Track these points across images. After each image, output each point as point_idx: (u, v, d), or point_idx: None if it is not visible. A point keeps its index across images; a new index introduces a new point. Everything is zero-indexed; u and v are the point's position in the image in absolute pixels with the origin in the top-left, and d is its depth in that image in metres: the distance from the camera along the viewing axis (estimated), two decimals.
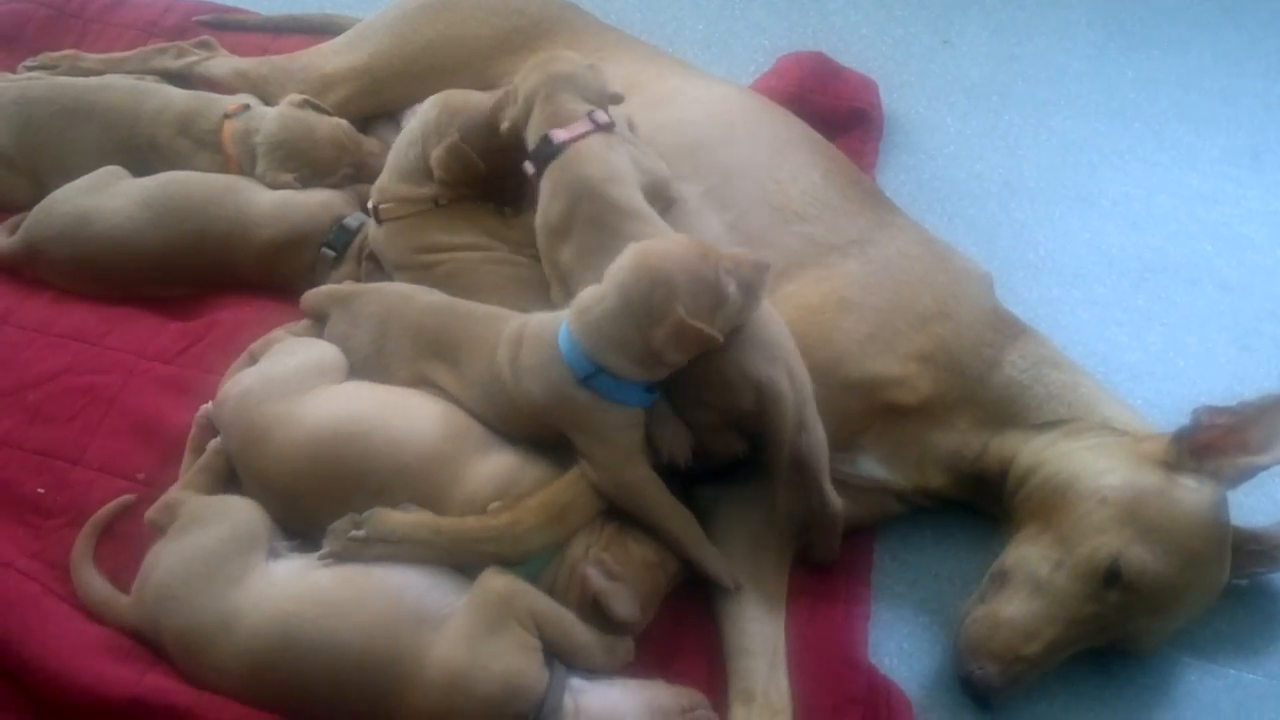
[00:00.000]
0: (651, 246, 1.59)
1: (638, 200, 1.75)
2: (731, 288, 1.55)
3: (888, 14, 2.99)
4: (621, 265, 1.57)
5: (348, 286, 1.92)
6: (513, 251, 1.92)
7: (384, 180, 2.00)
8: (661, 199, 1.86)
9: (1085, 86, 2.80)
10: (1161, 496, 1.60)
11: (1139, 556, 1.56)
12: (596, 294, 1.59)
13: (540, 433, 1.67)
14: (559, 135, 1.78)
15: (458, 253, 1.91)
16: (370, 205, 1.99)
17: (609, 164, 1.77)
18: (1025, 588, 1.60)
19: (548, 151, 1.78)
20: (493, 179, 1.94)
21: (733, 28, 2.92)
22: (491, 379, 1.67)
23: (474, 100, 1.96)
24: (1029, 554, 1.63)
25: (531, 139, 1.82)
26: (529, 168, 1.82)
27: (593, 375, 1.57)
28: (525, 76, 1.87)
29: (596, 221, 1.72)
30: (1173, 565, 1.57)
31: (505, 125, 1.88)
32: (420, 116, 1.98)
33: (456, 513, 1.57)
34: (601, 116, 1.83)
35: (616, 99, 1.90)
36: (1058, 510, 1.64)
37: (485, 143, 1.92)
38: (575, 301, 1.61)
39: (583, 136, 1.78)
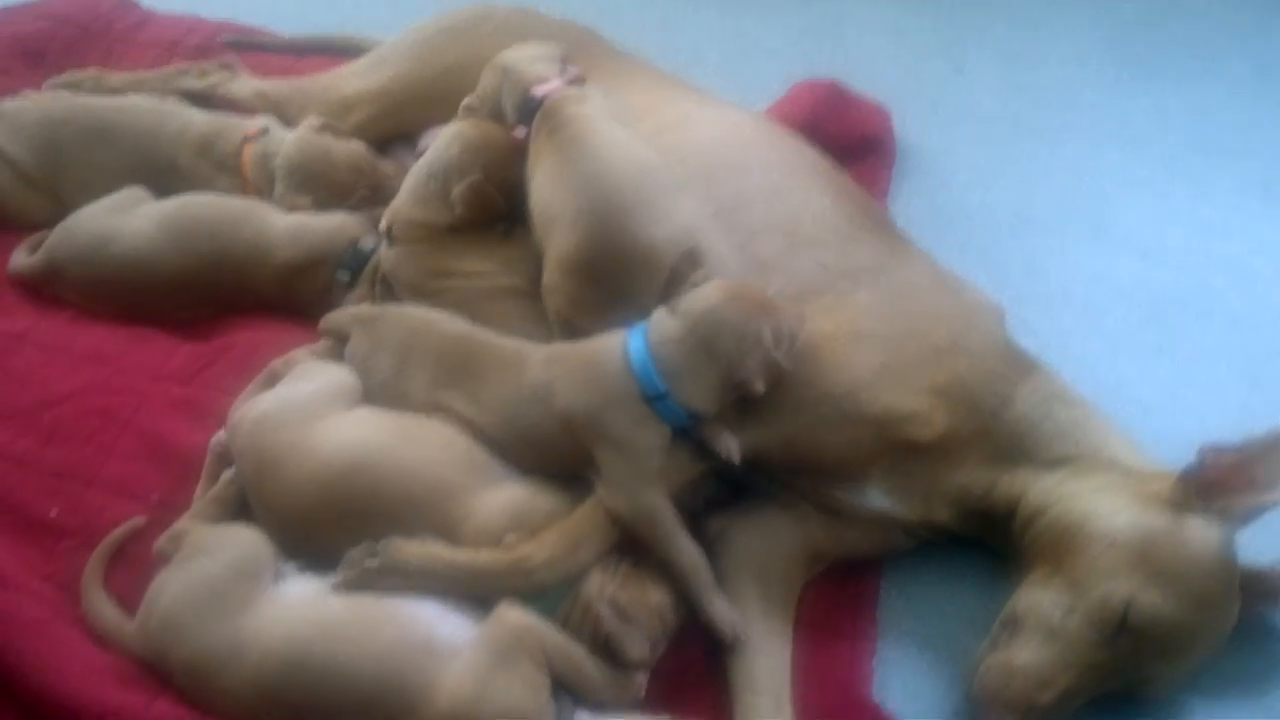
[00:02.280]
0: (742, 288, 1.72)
1: (600, 118, 1.88)
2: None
3: (900, 42, 3.01)
4: (705, 302, 1.67)
5: (371, 308, 1.93)
6: (518, 271, 1.94)
7: (399, 204, 2.01)
8: None
9: (1097, 116, 2.81)
10: (1171, 538, 1.60)
11: (1150, 601, 1.55)
12: (678, 327, 1.67)
13: (558, 459, 1.68)
14: (539, 90, 1.92)
15: (469, 280, 1.94)
16: (383, 227, 2.01)
17: (581, 99, 1.92)
18: (1038, 634, 1.59)
19: (531, 105, 1.91)
20: (510, 210, 1.98)
21: (747, 55, 2.95)
22: (517, 402, 1.70)
23: (493, 135, 1.98)
24: (1040, 599, 1.62)
25: (510, 106, 1.95)
26: (520, 131, 1.92)
27: (662, 395, 1.63)
28: (484, 76, 2.03)
29: (555, 133, 1.86)
30: (1185, 608, 1.56)
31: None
32: (440, 150, 2.00)
33: (468, 544, 1.58)
34: (572, 71, 1.98)
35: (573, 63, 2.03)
36: (1067, 552, 1.63)
37: (506, 179, 1.95)
38: (654, 327, 1.68)
39: (559, 89, 1.92)
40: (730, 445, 1.69)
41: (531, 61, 1.99)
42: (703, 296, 1.69)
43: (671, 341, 1.66)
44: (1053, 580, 1.63)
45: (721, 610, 1.65)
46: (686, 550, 1.64)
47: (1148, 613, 1.55)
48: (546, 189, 1.85)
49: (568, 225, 1.78)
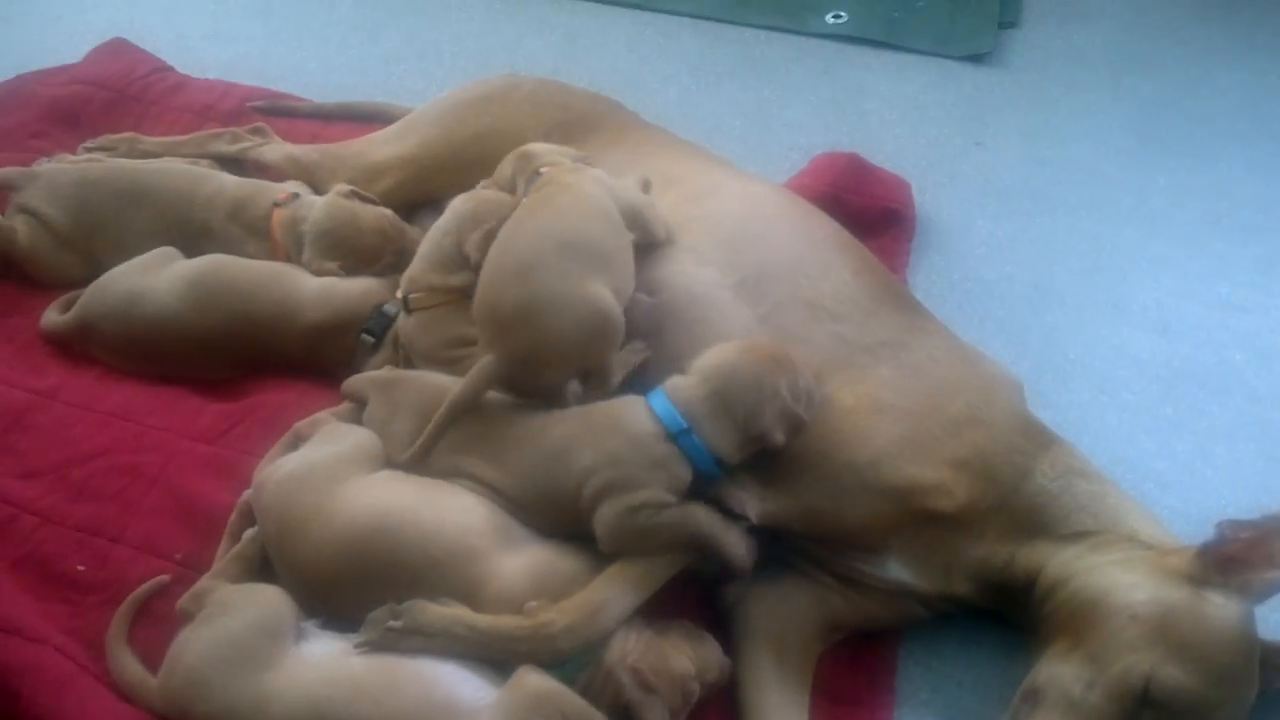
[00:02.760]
0: (756, 343, 1.79)
1: (580, 183, 1.95)
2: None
3: (921, 115, 3.04)
4: (720, 358, 1.74)
5: (389, 373, 1.95)
6: None
7: (415, 270, 2.05)
8: (638, 228, 1.98)
9: (1117, 192, 2.82)
10: (1191, 613, 1.59)
11: (1172, 676, 1.55)
12: (694, 383, 1.73)
13: (579, 519, 1.69)
14: (546, 170, 1.99)
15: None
16: (400, 295, 2.04)
17: (576, 170, 2.00)
18: (1059, 708, 1.59)
19: (537, 181, 1.98)
20: None
21: (770, 126, 2.98)
22: (538, 460, 1.72)
23: (507, 200, 2.03)
24: (1060, 672, 1.62)
25: (521, 184, 2.02)
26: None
27: (684, 431, 1.67)
28: (504, 163, 2.10)
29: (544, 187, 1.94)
30: (1205, 683, 1.55)
31: None
32: (454, 210, 2.05)
33: (488, 608, 1.59)
34: (580, 157, 2.06)
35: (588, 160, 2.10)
36: (1087, 626, 1.63)
37: None
38: (670, 386, 1.74)
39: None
40: (747, 503, 1.71)
41: (549, 152, 2.07)
42: (718, 354, 1.75)
43: (689, 393, 1.71)
44: (1073, 653, 1.63)
45: (736, 547, 1.68)
46: (691, 528, 1.66)
47: (1169, 687, 1.54)
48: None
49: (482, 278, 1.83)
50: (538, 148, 2.10)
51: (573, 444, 1.71)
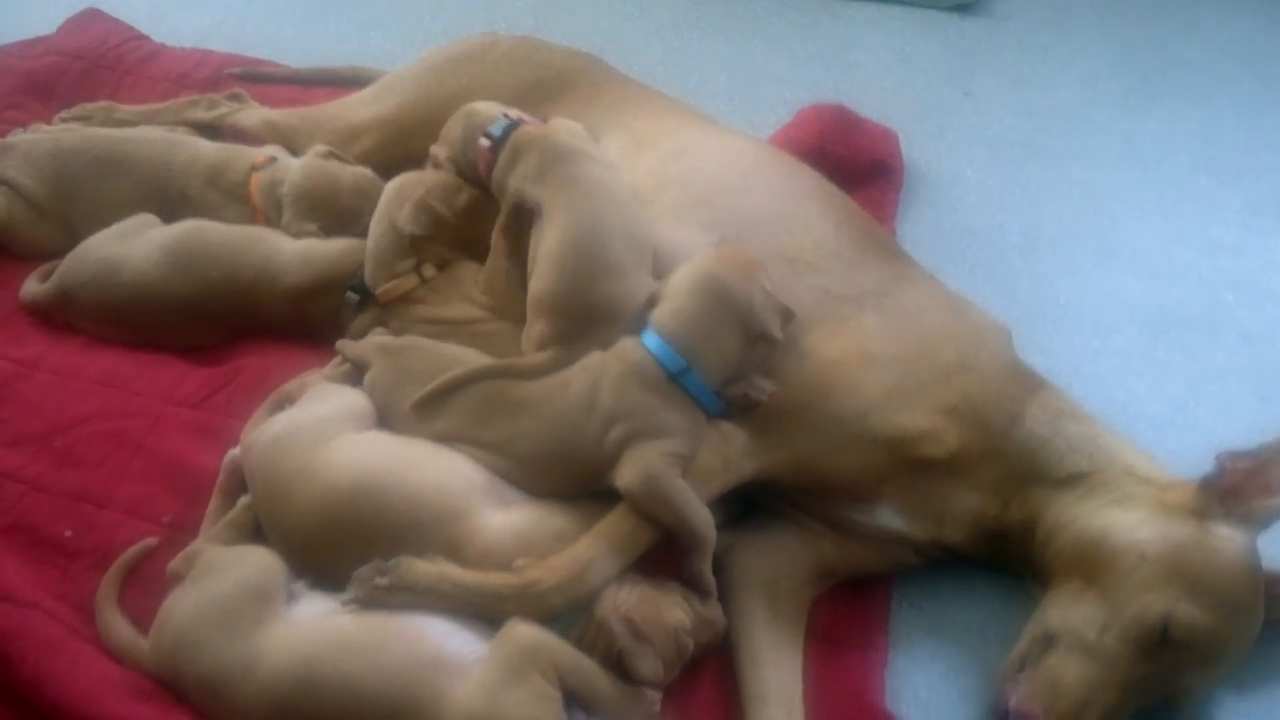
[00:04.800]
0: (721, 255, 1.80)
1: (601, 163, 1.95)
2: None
3: (908, 66, 3.02)
4: (695, 274, 1.74)
5: (396, 340, 1.91)
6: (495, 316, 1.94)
7: (369, 277, 2.01)
8: None
9: (1106, 138, 2.81)
10: (1201, 548, 1.58)
11: (1188, 613, 1.54)
12: (674, 306, 1.72)
13: (590, 471, 1.67)
14: (513, 114, 2.01)
15: (460, 328, 1.92)
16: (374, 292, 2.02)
17: (573, 131, 1.99)
18: (1075, 652, 1.58)
19: (508, 126, 1.96)
20: (467, 233, 2.01)
21: (754, 80, 2.96)
22: (567, 412, 1.69)
23: (427, 176, 2.04)
24: (1073, 615, 1.61)
25: (481, 135, 1.98)
26: (485, 142, 1.96)
27: (684, 370, 1.66)
28: (449, 124, 2.07)
29: (548, 154, 1.89)
30: (1220, 618, 1.55)
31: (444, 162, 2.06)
32: (383, 196, 2.05)
33: (474, 565, 1.57)
34: (519, 116, 2.03)
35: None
36: (1095, 567, 1.62)
37: (449, 200, 2.00)
38: (655, 318, 1.72)
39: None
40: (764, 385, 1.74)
41: (494, 108, 2.04)
42: (691, 275, 1.74)
43: (678, 321, 1.70)
44: (1084, 596, 1.62)
45: (709, 575, 1.65)
46: (697, 518, 1.63)
47: (1185, 625, 1.54)
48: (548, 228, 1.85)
49: (550, 268, 1.80)
50: (483, 106, 2.06)
51: (597, 389, 1.68)
